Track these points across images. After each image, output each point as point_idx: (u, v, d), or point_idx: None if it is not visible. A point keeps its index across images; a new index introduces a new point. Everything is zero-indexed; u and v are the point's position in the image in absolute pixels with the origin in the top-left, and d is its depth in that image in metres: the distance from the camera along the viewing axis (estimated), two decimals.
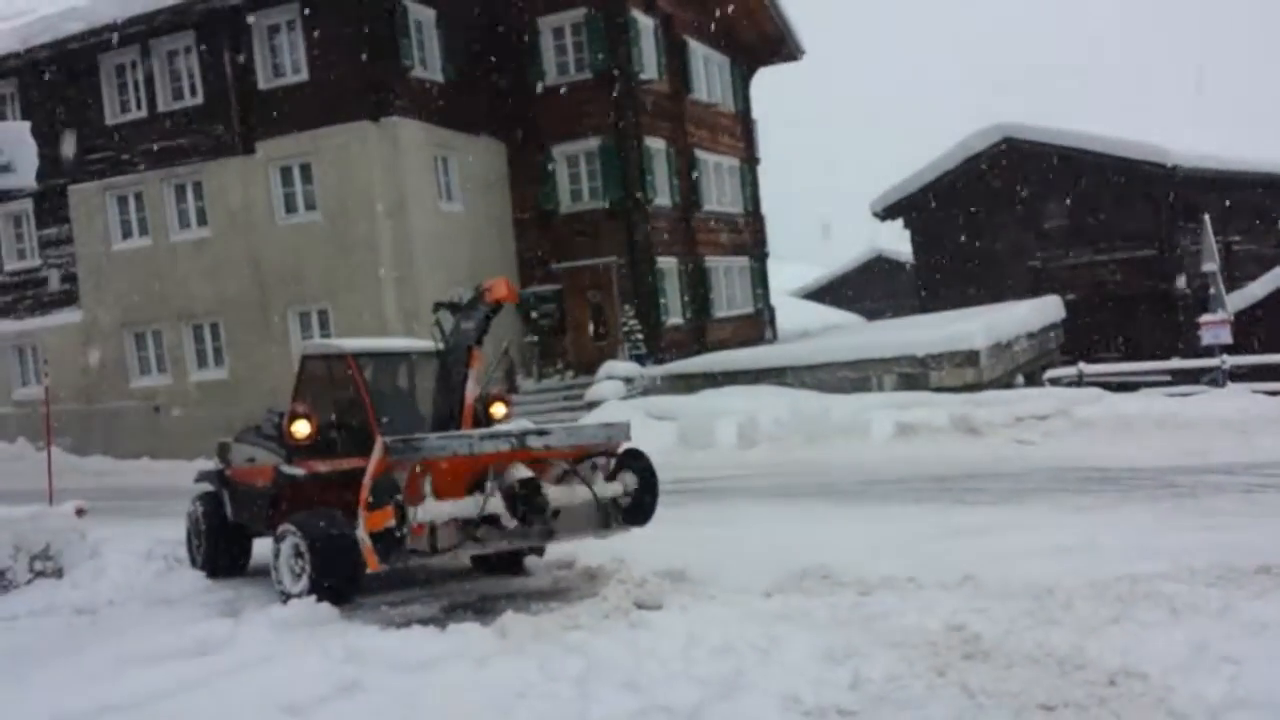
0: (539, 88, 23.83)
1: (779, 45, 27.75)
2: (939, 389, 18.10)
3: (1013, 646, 5.60)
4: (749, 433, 17.17)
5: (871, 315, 38.13)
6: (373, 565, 7.31)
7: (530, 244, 24.14)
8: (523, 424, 9.36)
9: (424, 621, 7.20)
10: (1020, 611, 6.21)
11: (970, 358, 18.50)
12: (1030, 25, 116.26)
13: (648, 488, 8.48)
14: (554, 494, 7.98)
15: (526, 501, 7.74)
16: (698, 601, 7.25)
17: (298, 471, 8.88)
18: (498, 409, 9.15)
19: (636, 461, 8.58)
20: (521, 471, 7.77)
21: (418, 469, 7.44)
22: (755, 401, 18.36)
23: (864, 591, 7.12)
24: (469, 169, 23.07)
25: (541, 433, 8.08)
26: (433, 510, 7.40)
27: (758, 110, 29.02)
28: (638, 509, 8.41)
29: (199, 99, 22.81)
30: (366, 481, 7.28)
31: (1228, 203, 26.20)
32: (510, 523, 7.81)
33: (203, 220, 23.10)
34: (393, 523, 7.17)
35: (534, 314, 23.44)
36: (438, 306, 9.24)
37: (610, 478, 8.49)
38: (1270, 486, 11.63)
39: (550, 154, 23.99)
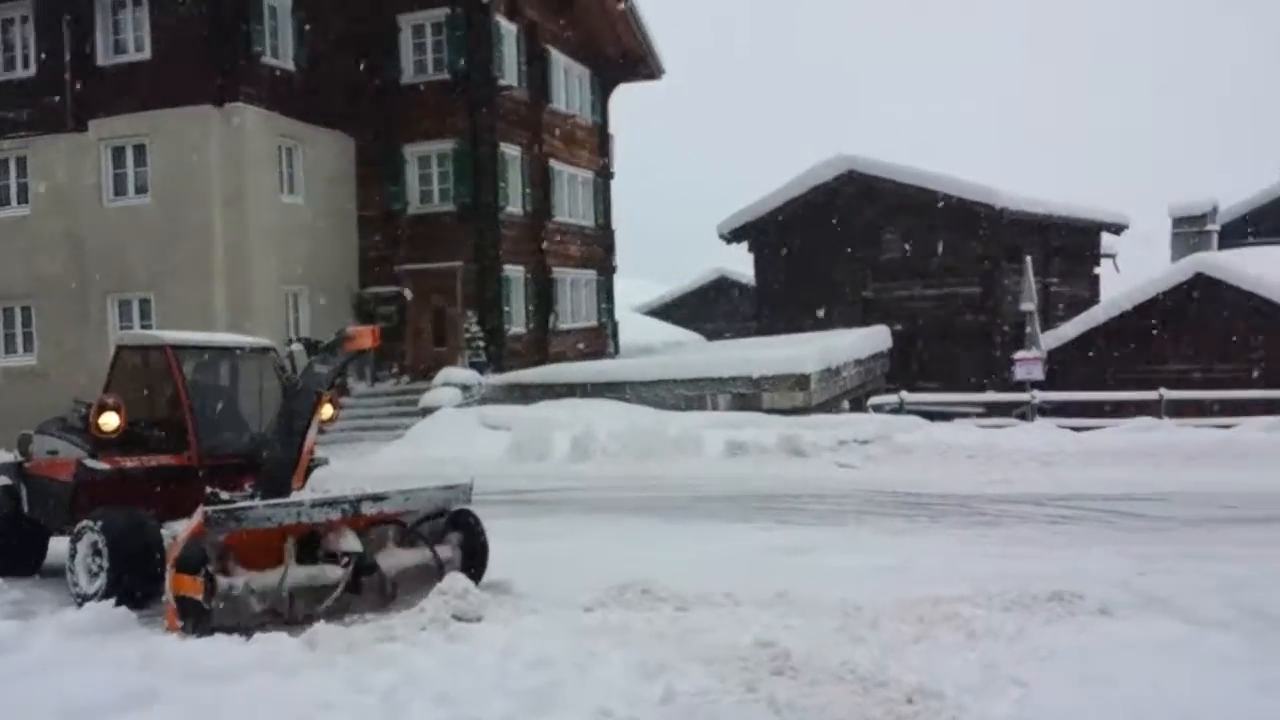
0: (395, 85, 23.42)
1: (640, 62, 28.05)
2: (770, 410, 18.56)
3: (819, 663, 5.76)
4: (584, 446, 17.21)
5: (713, 335, 38.81)
6: (172, 625, 6.94)
7: (374, 243, 23.64)
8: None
9: (229, 629, 6.91)
10: (829, 629, 6.41)
11: (801, 381, 19.04)
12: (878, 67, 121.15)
13: (475, 552, 8.34)
14: (386, 561, 7.79)
15: (357, 571, 7.54)
16: (518, 614, 7.20)
17: (102, 466, 8.39)
18: (325, 410, 8.85)
19: (467, 524, 8.43)
20: (351, 543, 7.51)
21: (232, 538, 7.09)
22: (592, 415, 18.44)
23: (682, 607, 7.20)
24: (315, 162, 22.45)
25: (377, 498, 7.80)
26: (239, 583, 7.02)
27: (616, 125, 29.26)
28: (467, 571, 8.17)
29: (31, 71, 21.59)
30: (181, 539, 6.94)
31: (1049, 246, 27.82)
32: (339, 591, 7.53)
33: (23, 198, 21.83)
34: (199, 595, 6.80)
35: (373, 315, 22.93)
36: (296, 341, 8.90)
37: (439, 539, 8.29)
38: (1070, 518, 12.31)
39: (402, 153, 23.59)
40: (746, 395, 19.09)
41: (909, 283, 26.88)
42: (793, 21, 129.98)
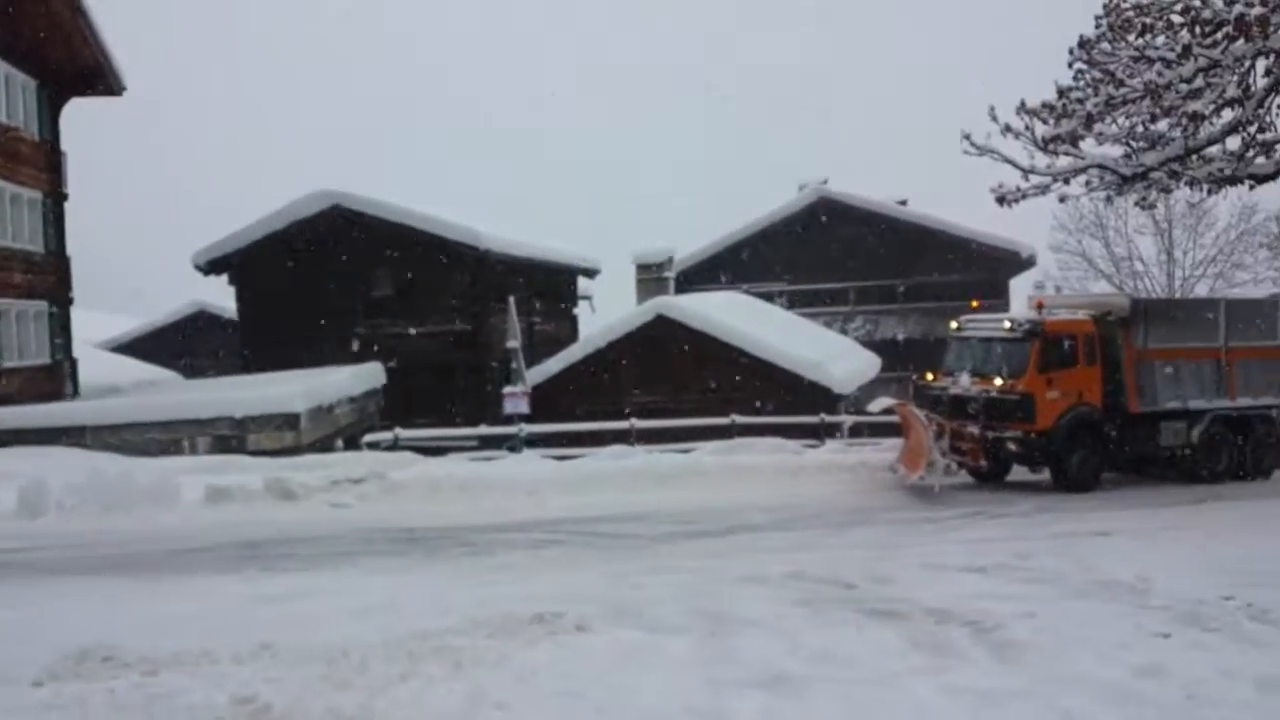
0: None
1: (97, 76, 25.45)
2: (257, 452, 17.63)
3: (303, 713, 5.51)
4: (34, 500, 15.10)
5: (194, 373, 36.17)
6: None
7: None
8: None
9: None
10: (315, 676, 6.15)
11: (290, 420, 18.32)
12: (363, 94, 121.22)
13: None
14: None
15: None
16: None
17: None
18: None
19: None
20: None
21: None
22: (45, 464, 16.28)
23: (150, 671, 6.54)
24: None
25: None
26: None
27: (70, 143, 26.24)
28: None
29: None
30: None
31: (533, 286, 29.39)
32: None
33: None
34: None
35: None
36: None
37: None
38: (554, 541, 13.01)
39: None
40: (230, 437, 17.96)
41: (401, 320, 27.00)
42: (285, 46, 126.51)
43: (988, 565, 10.53)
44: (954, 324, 19.29)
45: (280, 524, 14.46)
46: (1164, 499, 16.44)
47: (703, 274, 37.63)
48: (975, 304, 20.61)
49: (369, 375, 24.38)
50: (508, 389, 22.73)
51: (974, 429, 17.40)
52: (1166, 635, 7.28)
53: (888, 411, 18.93)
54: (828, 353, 26.94)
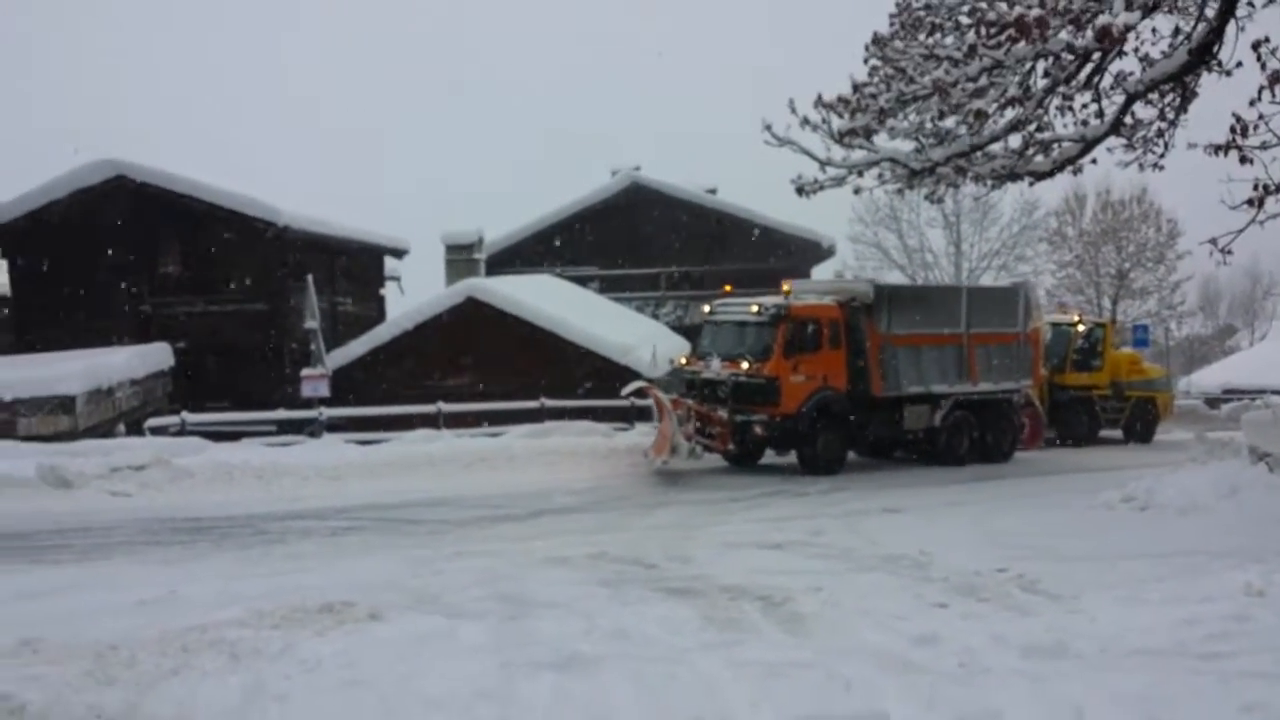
0: None
1: None
2: (29, 438, 16.40)
3: (62, 712, 5.14)
4: None
5: None
6: None
7: None
8: None
9: None
10: (79, 673, 5.74)
11: (65, 404, 17.14)
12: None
13: None
14: None
15: None
16: None
17: None
18: None
19: None
20: None
21: None
22: None
23: None
24: None
25: None
26: None
27: None
28: None
29: None
30: None
31: (336, 266, 28.40)
32: None
33: None
34: None
35: None
36: None
37: None
38: (354, 528, 12.64)
39: None
40: None
41: (192, 298, 25.55)
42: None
43: (783, 542, 10.87)
44: (706, 308, 19.49)
45: (54, 514, 13.55)
46: (948, 478, 17.37)
47: (515, 257, 37.29)
48: (728, 288, 20.97)
49: (155, 356, 23.02)
50: (306, 371, 21.92)
51: (723, 413, 17.60)
52: (944, 605, 7.66)
53: (638, 394, 18.89)
54: (639, 337, 27.18)
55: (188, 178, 24.74)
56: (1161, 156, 15.91)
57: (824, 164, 15.58)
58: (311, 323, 22.83)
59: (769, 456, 18.88)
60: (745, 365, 17.50)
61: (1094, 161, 15.62)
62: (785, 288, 18.94)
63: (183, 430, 19.21)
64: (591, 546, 10.59)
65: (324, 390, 21.47)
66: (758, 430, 17.51)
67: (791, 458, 18.36)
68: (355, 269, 30.39)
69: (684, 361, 19.36)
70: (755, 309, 17.95)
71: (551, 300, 27.34)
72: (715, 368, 18.05)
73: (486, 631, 6.79)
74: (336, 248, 27.93)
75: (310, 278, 23.51)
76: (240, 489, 15.55)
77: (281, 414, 21.94)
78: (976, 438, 19.37)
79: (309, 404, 21.64)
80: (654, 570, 9.43)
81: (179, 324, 24.95)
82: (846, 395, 18.04)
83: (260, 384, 24.45)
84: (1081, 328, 24.56)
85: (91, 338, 23.69)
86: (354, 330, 27.74)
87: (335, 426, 21.27)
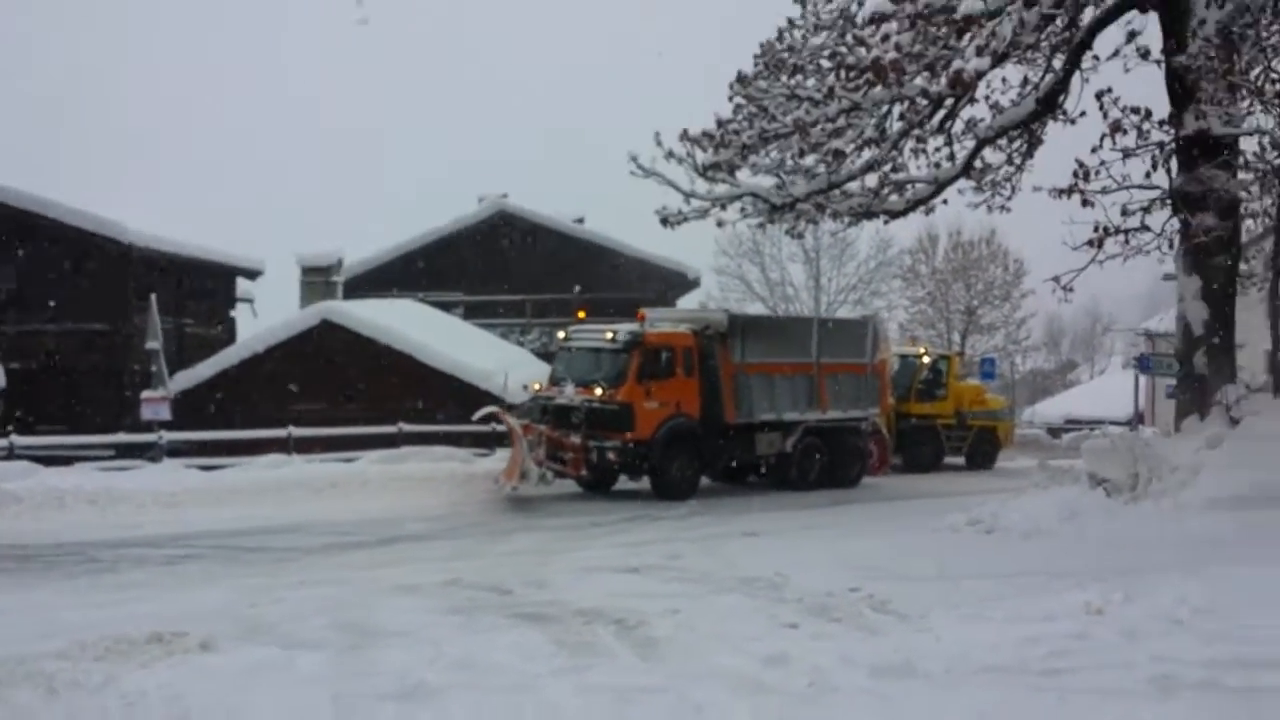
0: None
1: None
2: None
3: None
4: None
5: None
6: None
7: None
8: None
9: None
10: None
11: None
12: None
13: None
14: None
15: None
16: None
17: None
18: None
19: None
20: None
21: None
22: None
23: None
24: None
25: None
26: None
27: None
28: None
29: None
30: None
31: (183, 286, 27.29)
32: None
33: None
34: None
35: None
36: None
37: None
38: (191, 556, 12.11)
39: None
40: None
41: (27, 316, 24.18)
42: None
43: (641, 566, 10.83)
44: (561, 334, 19.58)
45: None
46: (803, 502, 17.65)
47: (375, 281, 36.48)
48: (582, 314, 21.01)
49: None
50: (146, 394, 20.91)
51: (576, 439, 17.54)
52: (795, 626, 7.69)
53: (486, 419, 18.59)
54: (502, 363, 26.88)
55: (24, 191, 23.50)
56: (1009, 199, 16.69)
57: (688, 196, 15.76)
58: (153, 343, 21.80)
59: (624, 483, 18.84)
60: (599, 391, 17.49)
61: (945, 202, 16.31)
62: (639, 315, 19.01)
63: (11, 454, 18.02)
64: (445, 573, 10.34)
65: (165, 413, 20.48)
66: (611, 456, 17.47)
67: (645, 483, 18.36)
68: (204, 289, 29.27)
69: (538, 387, 19.23)
70: (610, 335, 18.01)
71: (412, 324, 26.79)
72: (569, 393, 17.98)
73: (325, 662, 6.48)
74: (185, 267, 26.84)
75: (154, 297, 22.48)
76: (72, 515, 14.89)
77: (119, 438, 20.83)
78: (826, 463, 19.76)
79: (149, 428, 20.61)
80: (508, 596, 9.23)
81: (11, 344, 23.54)
82: (700, 422, 18.18)
83: (99, 407, 23.26)
84: (927, 359, 25.43)
85: None
86: (203, 353, 26.65)
87: (178, 451, 20.28)
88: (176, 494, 15.95)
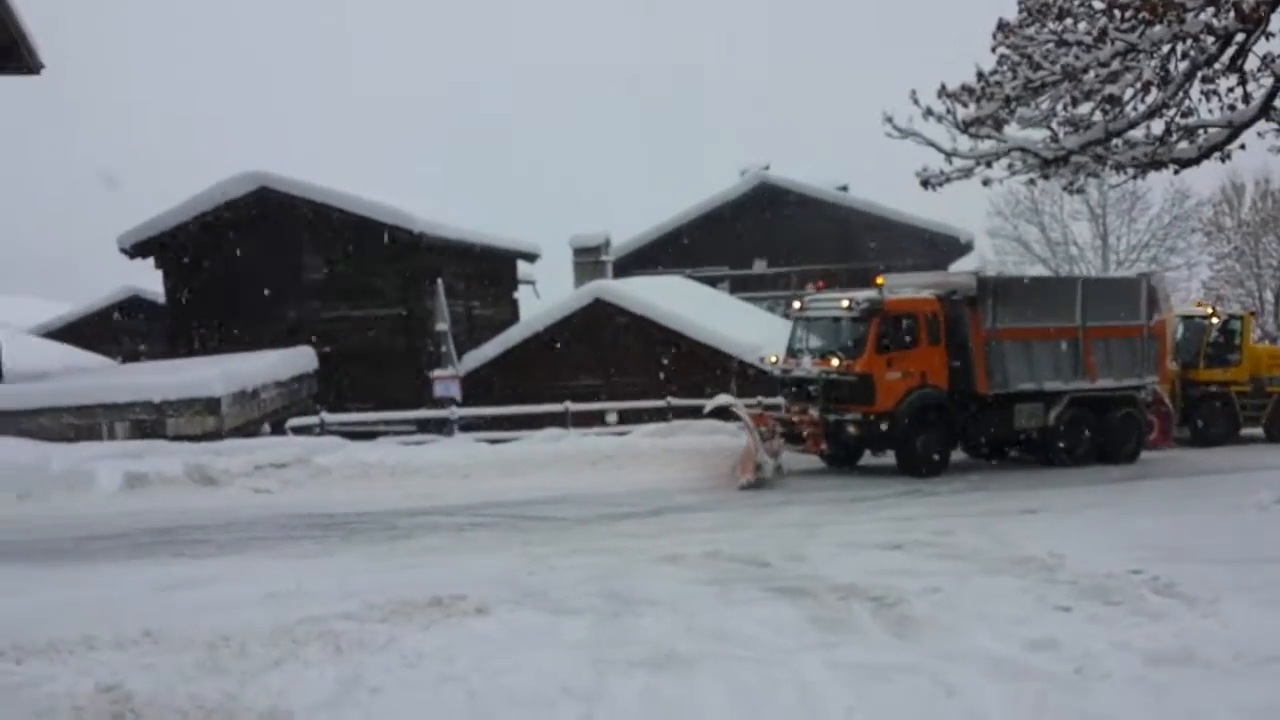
0: None
1: (9, 54, 24.59)
2: (178, 437, 17.24)
3: (165, 701, 5.32)
4: None
5: (129, 358, 35.38)
6: None
7: None
8: None
9: None
10: (190, 664, 5.95)
11: (210, 405, 17.92)
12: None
13: None
14: None
15: None
16: None
17: None
18: None
19: None
20: None
21: None
22: None
23: (19, 660, 6.29)
24: None
25: None
26: None
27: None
28: None
29: None
30: None
31: (469, 270, 29.06)
32: None
33: None
34: None
35: None
36: None
37: None
38: (479, 524, 12.87)
39: None
40: (148, 422, 17.51)
41: (333, 304, 26.48)
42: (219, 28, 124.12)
43: (905, 542, 10.54)
44: (796, 304, 18.73)
45: (199, 510, 14.19)
46: (1088, 479, 16.59)
47: (643, 258, 37.43)
48: (820, 285, 20.25)
49: (299, 359, 23.95)
50: (437, 372, 22.47)
51: (814, 412, 16.93)
52: (1067, 609, 7.29)
53: (718, 412, 17.82)
54: (768, 337, 26.90)
55: (326, 187, 25.66)
56: None
57: (950, 155, 15.09)
58: (442, 325, 23.36)
59: (867, 457, 18.31)
60: (836, 362, 16.90)
61: (1243, 147, 14.71)
62: (878, 280, 18.10)
63: (322, 429, 19.93)
64: (707, 545, 10.48)
65: (455, 391, 21.95)
66: (850, 430, 16.79)
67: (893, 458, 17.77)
68: (488, 273, 30.97)
69: (774, 359, 18.75)
70: (846, 304, 17.23)
71: (679, 300, 27.31)
72: (806, 365, 17.47)
73: (587, 628, 6.77)
74: (469, 253, 28.51)
75: (440, 281, 24.06)
76: (374, 486, 15.97)
77: (415, 413, 22.53)
78: (1096, 437, 18.31)
79: (441, 404, 22.17)
80: (766, 569, 9.27)
81: (323, 329, 25.87)
82: (948, 393, 17.21)
83: (399, 385, 25.16)
84: (1215, 320, 23.07)
85: (240, 343, 24.84)
86: (489, 333, 28.27)
87: (469, 426, 21.73)
88: (467, 466, 16.96)
